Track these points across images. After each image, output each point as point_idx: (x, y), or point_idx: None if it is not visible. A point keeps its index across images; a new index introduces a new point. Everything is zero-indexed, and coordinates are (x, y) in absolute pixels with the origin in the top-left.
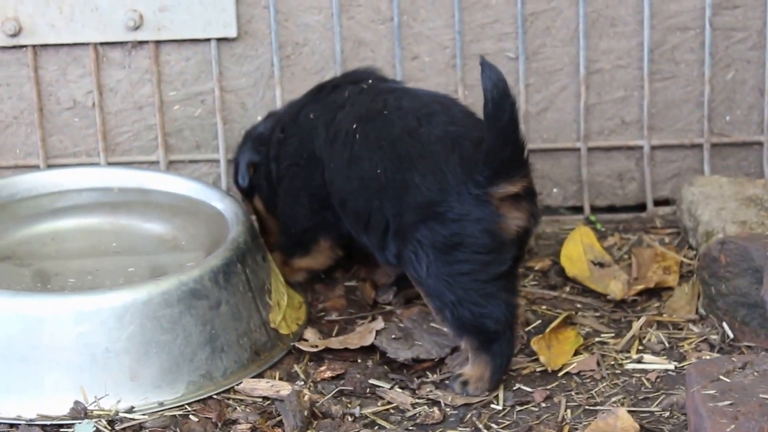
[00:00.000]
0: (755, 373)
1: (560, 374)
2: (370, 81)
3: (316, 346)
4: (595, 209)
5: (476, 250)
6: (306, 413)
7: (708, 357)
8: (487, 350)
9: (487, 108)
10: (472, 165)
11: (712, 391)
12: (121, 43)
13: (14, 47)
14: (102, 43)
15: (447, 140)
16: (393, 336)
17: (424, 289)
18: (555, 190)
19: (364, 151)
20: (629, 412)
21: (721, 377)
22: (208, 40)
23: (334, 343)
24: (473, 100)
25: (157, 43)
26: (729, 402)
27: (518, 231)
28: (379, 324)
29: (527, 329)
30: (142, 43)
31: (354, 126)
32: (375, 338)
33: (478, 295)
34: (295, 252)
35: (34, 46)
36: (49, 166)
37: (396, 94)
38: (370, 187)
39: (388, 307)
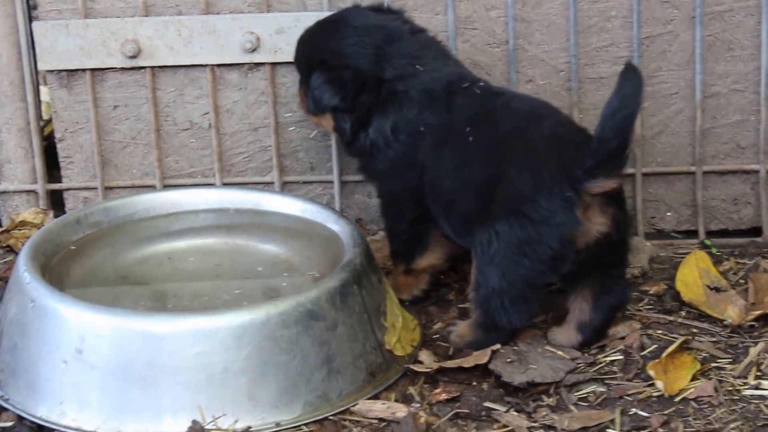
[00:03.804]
0: None
1: (677, 400)
2: (481, 84)
3: (431, 368)
4: (708, 233)
5: (544, 256)
6: None
7: None
8: (485, 330)
9: (613, 101)
10: (571, 163)
11: None
12: (238, 65)
13: (133, 69)
14: (219, 65)
15: (552, 140)
16: (508, 359)
17: (480, 268)
18: (669, 214)
19: (476, 152)
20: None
21: None
22: None
23: (449, 363)
24: (588, 124)
25: (273, 65)
26: None
27: (599, 237)
28: (495, 346)
29: (643, 353)
30: (258, 65)
31: (467, 128)
32: (490, 362)
33: (517, 295)
34: (414, 252)
35: (152, 68)
36: (165, 186)
37: (505, 97)
38: (480, 186)
39: None
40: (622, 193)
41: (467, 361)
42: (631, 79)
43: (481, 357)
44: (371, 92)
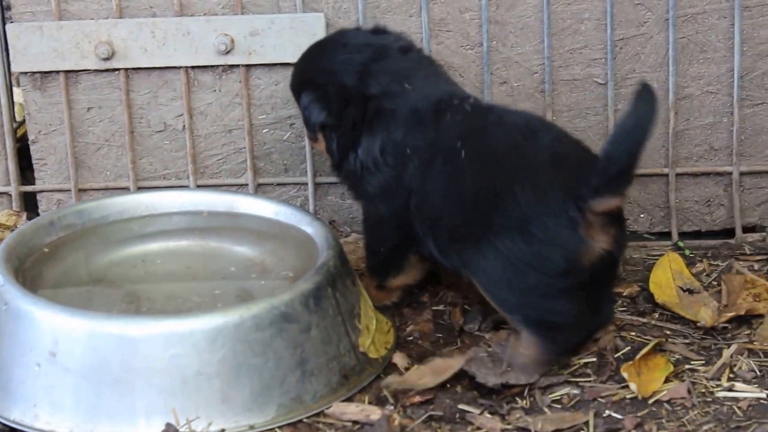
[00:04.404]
0: None
1: (650, 402)
2: (471, 100)
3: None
4: (682, 235)
5: (548, 272)
6: None
7: None
8: (544, 336)
9: (627, 121)
10: (576, 181)
11: None
12: (212, 66)
13: (107, 70)
14: (193, 67)
15: (553, 156)
16: (482, 361)
17: (488, 289)
18: (642, 215)
19: (469, 168)
20: None
21: None
22: None
23: (426, 378)
24: (561, 125)
25: (248, 67)
26: None
27: (601, 255)
28: (470, 354)
29: (616, 356)
30: (232, 67)
31: (458, 144)
32: (464, 363)
33: (548, 297)
34: (388, 272)
35: (126, 70)
36: (139, 189)
37: (497, 112)
38: (473, 203)
39: (477, 332)
40: (623, 211)
41: (439, 368)
42: (646, 99)
43: (455, 363)
44: (357, 108)
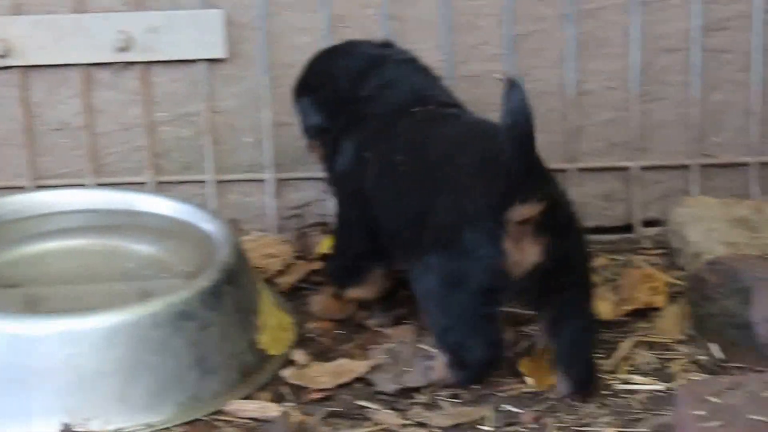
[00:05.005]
0: (744, 394)
1: (548, 395)
2: (430, 107)
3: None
4: None
5: (477, 289)
6: None
7: (697, 378)
8: (458, 369)
9: (503, 121)
10: (491, 191)
11: (701, 412)
12: (110, 64)
13: (3, 68)
14: (91, 65)
15: (479, 168)
16: (383, 367)
17: (423, 307)
18: None
19: (406, 178)
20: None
21: (710, 398)
22: (197, 61)
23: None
24: None
25: (146, 64)
26: (718, 423)
27: (533, 268)
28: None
29: (515, 350)
30: (131, 64)
31: (401, 156)
32: (366, 371)
33: (468, 327)
34: (348, 281)
35: (23, 67)
36: (38, 187)
37: (444, 121)
38: (412, 217)
39: (378, 328)
40: (565, 218)
41: (345, 374)
42: (514, 92)
43: (357, 368)
44: (346, 112)
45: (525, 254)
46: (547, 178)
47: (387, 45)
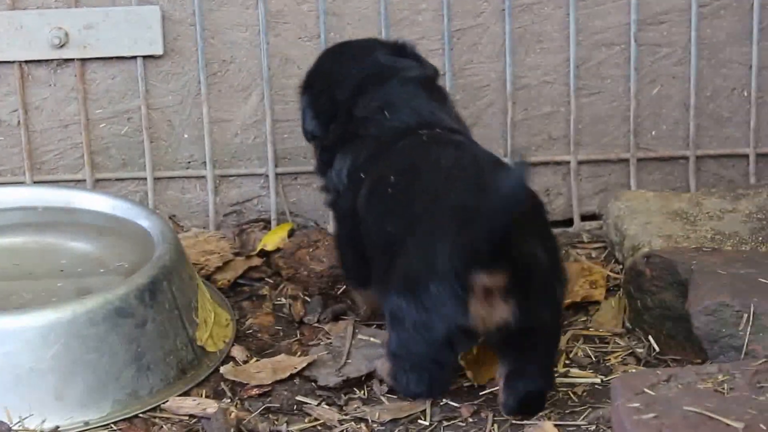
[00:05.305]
0: (679, 386)
1: (487, 390)
2: (437, 131)
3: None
4: None
5: (437, 339)
6: (232, 431)
7: (634, 370)
8: (393, 381)
9: (492, 197)
10: (461, 256)
11: (636, 404)
12: (47, 61)
13: None
14: (27, 62)
15: (455, 220)
16: (322, 362)
17: (387, 328)
18: None
19: (392, 209)
20: (555, 425)
21: (646, 390)
22: (134, 57)
23: (263, 373)
24: None
25: (83, 61)
26: (653, 415)
27: (499, 327)
28: (309, 358)
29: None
30: (67, 61)
31: (391, 181)
32: (306, 367)
33: (420, 368)
34: (363, 285)
35: None
36: None
37: (437, 152)
38: (379, 244)
39: (316, 324)
40: (539, 282)
41: (283, 370)
42: (515, 171)
43: (297, 364)
44: (341, 125)
45: (491, 314)
46: (525, 241)
47: (402, 50)
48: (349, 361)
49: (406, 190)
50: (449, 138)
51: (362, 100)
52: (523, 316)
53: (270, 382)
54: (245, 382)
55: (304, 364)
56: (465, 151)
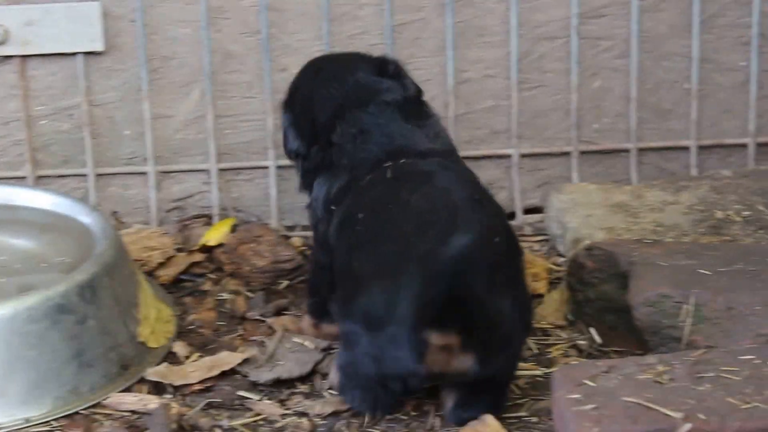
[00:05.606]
0: (619, 377)
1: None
2: (403, 161)
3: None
4: None
5: (388, 376)
6: (174, 426)
7: (576, 362)
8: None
9: (442, 257)
10: (416, 312)
11: (576, 396)
12: None
13: None
14: None
15: (425, 261)
16: (255, 359)
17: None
18: None
19: (356, 248)
20: (497, 418)
21: (586, 381)
22: (75, 54)
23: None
24: None
25: (24, 57)
26: (593, 406)
27: (456, 375)
28: (244, 354)
29: None
30: (7, 57)
31: (359, 217)
32: (238, 364)
33: (367, 396)
34: (323, 317)
35: None
36: None
37: (408, 185)
38: (341, 275)
39: (259, 318)
40: (498, 337)
41: (218, 367)
42: (469, 229)
43: (231, 360)
44: (321, 148)
45: (448, 364)
46: (490, 294)
47: (385, 67)
48: (282, 363)
49: (371, 230)
50: (417, 169)
51: (340, 125)
52: (482, 368)
53: (199, 380)
54: (174, 383)
55: (238, 361)
56: (432, 185)
